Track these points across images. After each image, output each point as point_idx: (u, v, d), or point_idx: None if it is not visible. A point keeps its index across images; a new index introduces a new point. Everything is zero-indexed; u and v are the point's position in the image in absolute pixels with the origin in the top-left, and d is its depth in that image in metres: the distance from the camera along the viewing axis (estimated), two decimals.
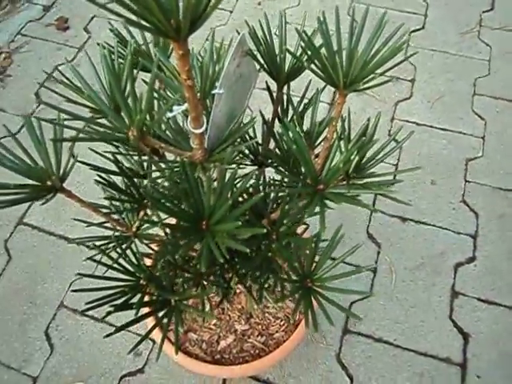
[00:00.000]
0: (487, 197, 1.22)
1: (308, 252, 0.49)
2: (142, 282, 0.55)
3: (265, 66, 0.55)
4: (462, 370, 1.00)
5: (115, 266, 0.54)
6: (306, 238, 0.49)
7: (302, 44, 0.46)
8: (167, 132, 0.49)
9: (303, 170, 0.47)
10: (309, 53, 0.46)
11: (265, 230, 0.40)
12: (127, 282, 0.55)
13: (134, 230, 0.57)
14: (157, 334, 0.79)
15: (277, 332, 0.80)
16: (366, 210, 1.22)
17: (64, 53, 1.59)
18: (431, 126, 1.36)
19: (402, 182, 1.30)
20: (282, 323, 0.81)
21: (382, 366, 1.01)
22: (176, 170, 0.46)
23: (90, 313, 1.11)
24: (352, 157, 0.43)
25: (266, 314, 0.81)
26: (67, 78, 0.56)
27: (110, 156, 0.59)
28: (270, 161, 0.59)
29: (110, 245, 0.57)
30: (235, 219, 0.43)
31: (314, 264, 0.49)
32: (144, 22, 0.33)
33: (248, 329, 0.80)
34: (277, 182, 0.54)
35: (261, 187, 0.56)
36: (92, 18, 1.68)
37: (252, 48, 0.50)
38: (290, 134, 0.45)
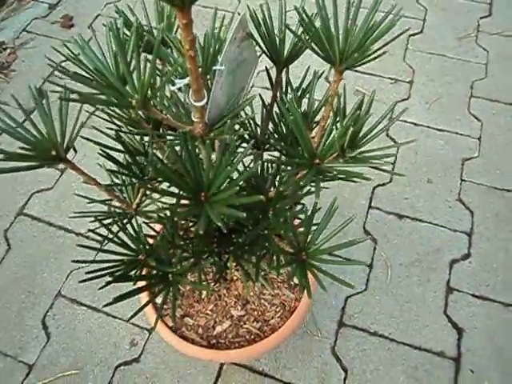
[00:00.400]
0: (483, 196, 1.24)
1: (302, 228, 0.50)
2: (140, 256, 0.56)
3: (264, 49, 0.57)
4: (456, 364, 1.00)
5: (116, 240, 0.56)
6: (300, 210, 0.50)
7: (302, 24, 0.48)
8: (171, 108, 0.50)
9: (300, 147, 0.49)
10: (308, 31, 0.48)
11: (261, 197, 0.41)
12: (127, 257, 0.56)
13: (134, 206, 0.59)
14: (150, 314, 0.80)
15: (272, 318, 0.81)
16: (363, 206, 1.24)
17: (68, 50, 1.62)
18: (428, 127, 1.38)
19: (400, 177, 1.29)
20: (277, 309, 0.82)
21: (376, 359, 1.02)
22: (177, 142, 0.48)
23: (87, 302, 1.12)
24: (347, 131, 0.44)
25: (262, 301, 0.82)
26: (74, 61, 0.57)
27: (112, 135, 0.60)
28: (268, 145, 0.61)
29: (111, 220, 0.58)
30: (233, 190, 0.44)
31: (309, 238, 0.51)
32: None
33: (244, 315, 0.81)
34: (275, 159, 0.55)
35: (259, 167, 0.57)
36: (96, 17, 1.71)
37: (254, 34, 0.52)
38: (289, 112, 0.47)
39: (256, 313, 0.81)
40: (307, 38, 0.49)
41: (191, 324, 0.81)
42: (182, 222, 0.62)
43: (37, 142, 0.49)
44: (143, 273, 0.57)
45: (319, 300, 1.09)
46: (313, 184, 0.51)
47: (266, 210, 0.54)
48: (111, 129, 0.57)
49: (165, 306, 0.83)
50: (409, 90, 1.47)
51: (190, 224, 0.63)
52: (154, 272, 0.55)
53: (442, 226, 1.19)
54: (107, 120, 0.61)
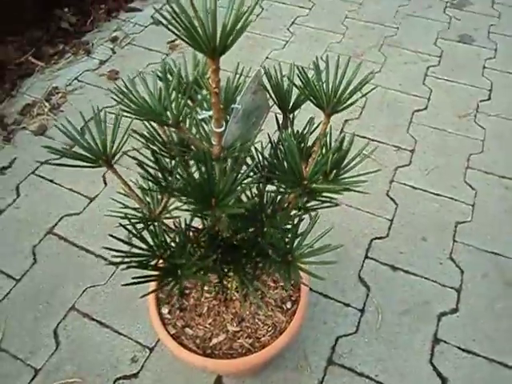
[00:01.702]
0: (473, 256, 1.32)
1: (290, 235, 0.62)
2: (157, 252, 0.68)
3: (274, 98, 0.72)
4: None
5: (140, 237, 0.68)
6: (290, 215, 0.62)
7: (302, 81, 0.63)
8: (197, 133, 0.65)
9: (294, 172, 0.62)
10: (306, 88, 0.63)
11: (257, 199, 0.54)
12: (147, 251, 0.68)
13: (157, 213, 0.72)
14: (157, 325, 0.89)
15: (263, 336, 0.89)
16: (360, 255, 1.33)
17: (110, 98, 1.85)
18: (426, 191, 1.50)
19: (396, 233, 1.39)
20: (269, 329, 0.90)
21: None
22: (198, 159, 0.62)
23: (97, 318, 1.21)
24: (327, 160, 0.58)
25: (256, 320, 0.91)
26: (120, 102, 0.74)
27: (144, 153, 0.75)
28: (270, 173, 0.74)
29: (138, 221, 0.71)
30: (236, 197, 0.57)
31: (295, 245, 0.62)
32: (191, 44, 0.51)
33: (239, 330, 0.90)
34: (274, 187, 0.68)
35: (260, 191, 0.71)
36: (140, 73, 1.96)
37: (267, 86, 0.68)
38: (286, 143, 0.61)
39: (250, 330, 0.90)
40: (306, 92, 0.64)
41: (190, 334, 0.90)
42: (192, 230, 0.75)
43: (93, 150, 0.63)
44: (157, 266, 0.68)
45: (311, 337, 1.16)
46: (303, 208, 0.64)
47: (264, 223, 0.66)
48: (147, 147, 0.72)
49: (169, 317, 0.93)
50: (410, 157, 1.62)
51: (201, 235, 0.75)
52: (167, 265, 0.67)
53: (433, 281, 1.27)
54: (143, 142, 0.76)
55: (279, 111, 0.75)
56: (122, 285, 0.64)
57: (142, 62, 2.01)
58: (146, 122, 0.71)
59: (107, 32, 2.18)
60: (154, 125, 0.74)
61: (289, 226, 0.62)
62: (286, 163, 0.65)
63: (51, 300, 1.25)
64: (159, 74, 0.61)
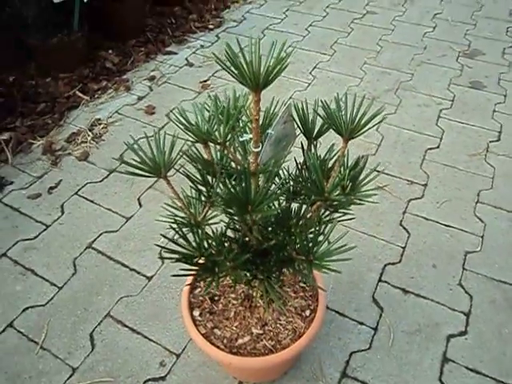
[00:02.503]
0: (481, 284, 1.40)
1: (312, 240, 0.74)
2: (198, 253, 0.81)
3: (301, 128, 0.87)
4: None
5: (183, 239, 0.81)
6: (313, 220, 0.74)
7: (326, 112, 0.77)
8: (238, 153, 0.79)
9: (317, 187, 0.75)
10: (329, 118, 0.77)
11: (286, 204, 0.66)
12: (190, 251, 0.81)
13: (199, 219, 0.85)
14: (185, 313, 1.00)
15: (284, 339, 0.99)
16: (373, 279, 1.43)
17: (147, 130, 2.04)
18: (437, 222, 1.60)
19: (408, 259, 1.49)
20: (289, 333, 1.00)
21: None
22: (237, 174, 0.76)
23: (129, 325, 1.32)
24: (345, 177, 0.71)
25: (278, 325, 1.01)
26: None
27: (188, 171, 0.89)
28: (298, 189, 0.87)
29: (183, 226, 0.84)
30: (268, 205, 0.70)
31: (315, 248, 0.74)
32: (239, 80, 0.65)
33: (262, 333, 1.00)
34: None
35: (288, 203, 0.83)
36: (173, 108, 2.16)
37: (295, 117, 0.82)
38: (311, 161, 0.74)
39: (272, 333, 1.00)
40: (329, 121, 0.78)
41: (219, 334, 1.00)
42: (226, 240, 0.87)
43: (152, 165, 0.77)
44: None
45: (326, 351, 1.25)
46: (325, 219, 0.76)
47: (290, 229, 0.78)
48: (195, 165, 0.86)
49: (200, 319, 1.04)
50: (423, 190, 1.73)
51: (233, 241, 0.88)
52: (206, 263, 0.79)
53: (442, 305, 1.35)
54: (190, 161, 0.90)
55: (305, 138, 0.89)
56: (172, 275, 0.77)
57: (176, 99, 2.22)
58: (191, 146, 0.86)
59: (146, 71, 2.41)
60: (199, 147, 0.89)
61: (311, 236, 0.75)
62: (309, 179, 0.78)
63: (88, 307, 1.37)
64: (213, 99, 0.76)
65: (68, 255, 1.51)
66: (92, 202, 1.70)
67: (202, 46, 2.63)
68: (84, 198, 1.72)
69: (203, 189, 0.86)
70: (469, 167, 1.83)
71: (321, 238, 0.74)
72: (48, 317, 1.34)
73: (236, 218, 0.76)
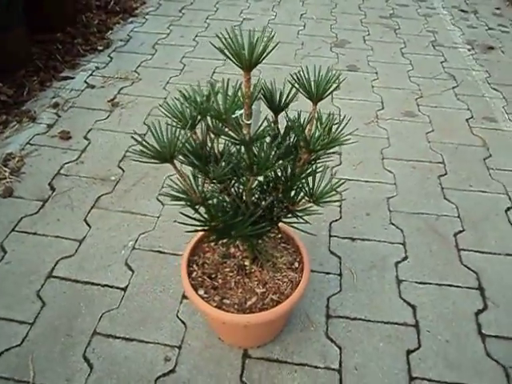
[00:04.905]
0: (407, 219, 1.72)
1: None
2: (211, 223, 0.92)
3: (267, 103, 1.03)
4: (416, 329, 1.35)
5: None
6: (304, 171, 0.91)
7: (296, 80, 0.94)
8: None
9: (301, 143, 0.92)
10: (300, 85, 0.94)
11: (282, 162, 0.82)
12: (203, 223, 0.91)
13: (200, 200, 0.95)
14: (192, 294, 1.09)
15: (285, 290, 1.13)
16: (325, 236, 1.65)
17: (69, 155, 1.99)
18: (358, 180, 1.89)
19: (347, 214, 1.71)
20: (287, 284, 1.14)
21: (359, 335, 1.33)
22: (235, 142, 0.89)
23: (121, 335, 1.33)
24: (324, 130, 0.89)
25: (277, 280, 1.15)
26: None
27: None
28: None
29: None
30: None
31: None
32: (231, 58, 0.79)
33: (265, 291, 1.13)
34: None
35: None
36: (89, 130, 2.13)
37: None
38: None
39: (274, 289, 1.13)
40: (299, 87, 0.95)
41: (228, 303, 1.10)
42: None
43: (160, 152, 0.86)
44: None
45: (308, 302, 1.42)
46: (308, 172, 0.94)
47: (288, 177, 0.94)
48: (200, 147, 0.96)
49: (206, 296, 1.13)
50: (339, 159, 2.01)
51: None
52: (222, 227, 0.90)
53: (383, 242, 1.63)
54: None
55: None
56: (177, 221, 0.86)
57: (88, 121, 2.19)
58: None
59: (46, 99, 2.32)
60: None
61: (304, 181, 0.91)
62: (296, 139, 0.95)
63: (71, 332, 1.33)
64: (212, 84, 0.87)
65: (28, 290, 1.44)
66: (35, 233, 1.63)
67: (97, 68, 2.62)
68: (24, 232, 1.63)
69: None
70: (367, 133, 2.18)
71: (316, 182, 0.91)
72: (29, 354, 1.28)
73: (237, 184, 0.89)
